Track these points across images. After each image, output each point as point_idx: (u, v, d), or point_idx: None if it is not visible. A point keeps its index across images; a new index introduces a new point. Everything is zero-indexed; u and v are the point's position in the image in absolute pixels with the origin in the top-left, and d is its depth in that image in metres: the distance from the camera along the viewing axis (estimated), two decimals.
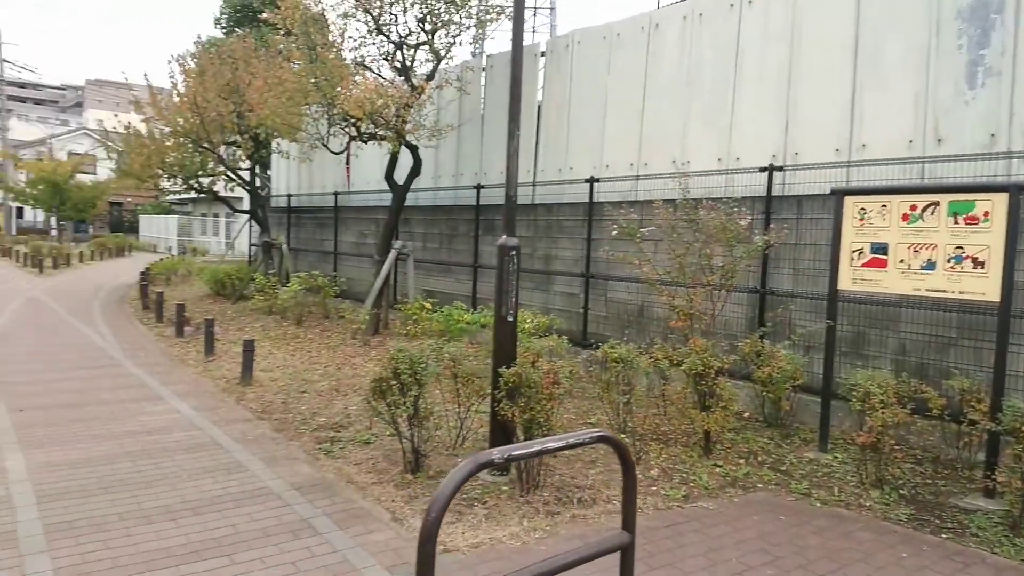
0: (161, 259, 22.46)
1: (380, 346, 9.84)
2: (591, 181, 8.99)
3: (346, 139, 10.91)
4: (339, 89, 9.11)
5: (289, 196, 16.66)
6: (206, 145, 13.39)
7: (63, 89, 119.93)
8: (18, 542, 3.58)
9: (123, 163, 13.95)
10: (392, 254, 10.83)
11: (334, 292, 12.29)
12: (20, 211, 53.25)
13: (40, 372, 7.60)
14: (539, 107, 10.39)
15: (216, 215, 41.79)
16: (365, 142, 10.71)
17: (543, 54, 10.38)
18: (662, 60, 8.55)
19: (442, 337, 8.32)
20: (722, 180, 7.69)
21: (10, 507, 4.01)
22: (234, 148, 13.84)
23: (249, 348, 7.53)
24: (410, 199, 12.54)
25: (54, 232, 41.72)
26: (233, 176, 14.62)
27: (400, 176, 11.36)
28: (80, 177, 35.41)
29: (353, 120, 9.74)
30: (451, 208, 11.86)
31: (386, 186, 13.42)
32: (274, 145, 14.63)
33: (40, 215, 51.29)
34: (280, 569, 3.45)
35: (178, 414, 6.22)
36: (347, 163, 14.87)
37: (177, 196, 14.60)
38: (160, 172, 13.28)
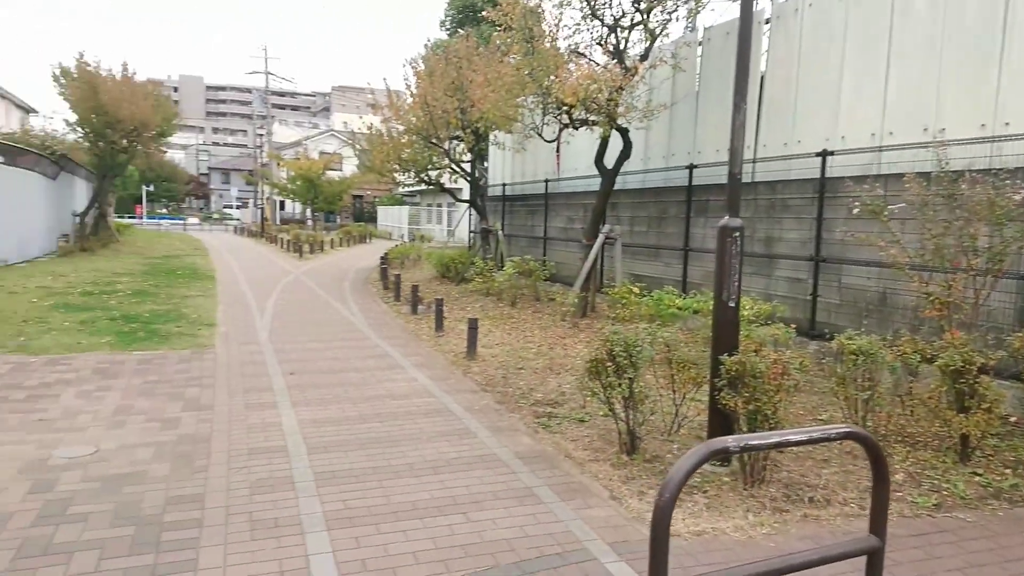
0: (396, 245, 24.93)
1: (588, 328, 10.00)
2: (823, 155, 8.23)
3: (558, 127, 11.15)
4: (553, 78, 9.33)
5: (504, 185, 17.52)
6: (434, 141, 14.58)
7: (313, 96, 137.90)
8: (294, 486, 4.24)
9: (366, 160, 15.67)
10: (600, 238, 10.91)
11: (544, 276, 12.72)
12: (282, 204, 62.58)
13: (306, 342, 8.89)
14: (761, 78, 9.74)
15: (439, 205, 45.36)
16: (576, 128, 10.87)
17: (767, 21, 9.69)
18: (911, 13, 7.52)
19: (652, 322, 8.23)
20: (986, 149, 6.59)
21: (286, 456, 4.77)
22: (457, 142, 14.88)
23: (473, 327, 8.10)
24: (617, 183, 12.48)
25: (309, 222, 48.42)
26: (456, 168, 15.74)
27: (609, 160, 11.37)
28: (329, 174, 40.58)
29: (566, 108, 9.93)
30: (660, 190, 11.61)
31: (594, 171, 13.49)
32: (491, 137, 15.44)
33: (297, 207, 59.89)
34: (509, 531, 3.69)
35: (416, 382, 6.90)
36: (557, 151, 15.22)
37: (409, 188, 16.10)
38: (396, 167, 14.76)
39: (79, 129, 21.59)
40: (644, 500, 4.16)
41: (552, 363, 7.81)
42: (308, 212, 47.87)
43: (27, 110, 38.55)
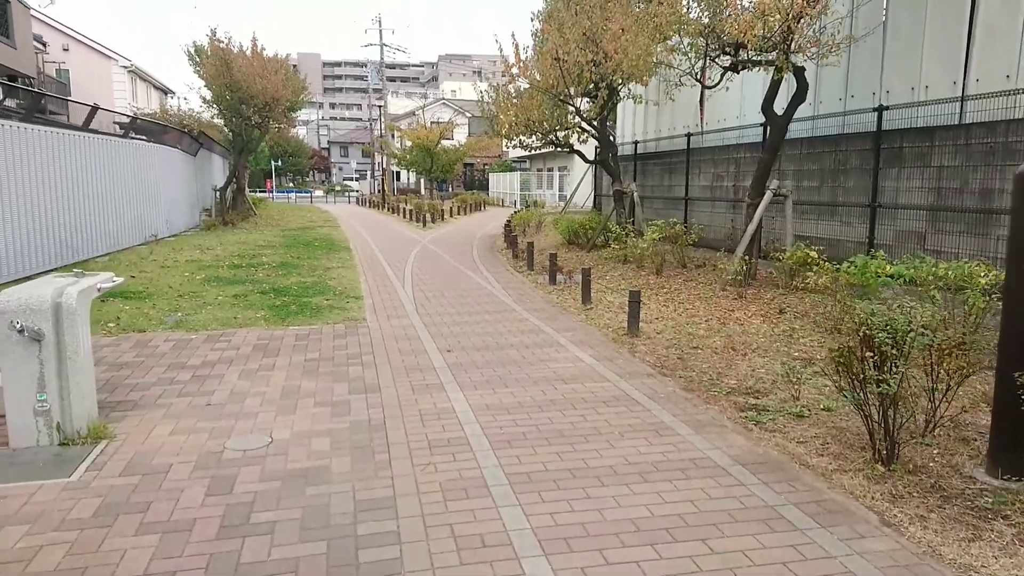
0: (515, 212, 24.41)
1: (757, 299, 8.92)
2: None
3: (719, 71, 9.94)
4: (727, 11, 8.17)
5: (636, 143, 16.37)
6: (563, 98, 13.69)
7: (421, 66, 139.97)
8: (490, 491, 3.68)
9: (491, 124, 15.06)
10: (767, 196, 9.69)
11: (691, 240, 11.64)
12: (397, 175, 64.04)
13: (453, 315, 8.46)
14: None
15: (550, 170, 44.42)
16: (738, 72, 9.63)
17: None
18: None
19: (849, 293, 7.06)
20: None
21: (470, 450, 4.23)
22: (588, 100, 13.91)
23: (635, 300, 7.29)
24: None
25: (423, 192, 49.09)
26: (586, 127, 14.80)
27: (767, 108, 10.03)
28: (443, 142, 40.65)
29: (731, 47, 8.74)
30: (836, 138, 10.15)
31: (746, 121, 12.19)
32: (624, 91, 14.33)
33: (411, 178, 61.02)
34: (771, 569, 2.93)
35: (581, 363, 6.23)
36: (701, 102, 13.89)
37: (535, 152, 15.32)
38: (524, 129, 14.05)
39: (215, 106, 22.47)
40: (928, 528, 3.25)
41: (732, 342, 6.87)
42: (422, 182, 48.53)
43: (164, 91, 41.24)
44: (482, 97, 15.08)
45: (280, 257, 13.91)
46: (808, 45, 8.31)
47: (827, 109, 10.64)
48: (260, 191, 56.42)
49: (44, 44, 31.33)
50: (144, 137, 16.77)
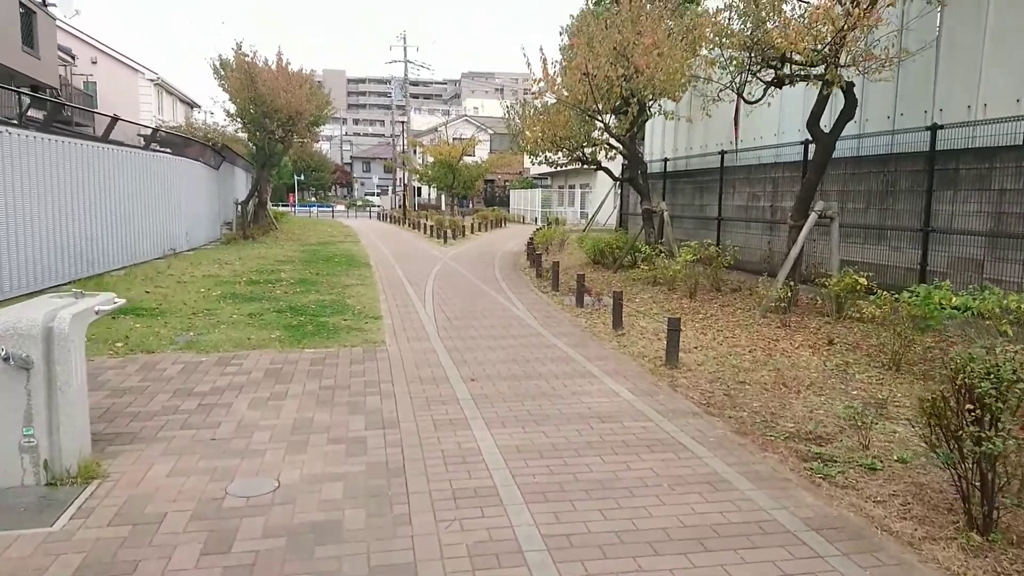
0: (537, 229, 24.01)
1: (802, 328, 8.35)
2: None
3: (757, 87, 9.45)
4: (770, 24, 7.70)
5: (665, 160, 15.89)
6: (591, 114, 13.29)
7: (444, 84, 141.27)
8: (525, 560, 3.17)
9: (516, 140, 14.70)
10: (812, 218, 9.14)
11: (727, 262, 11.09)
12: (419, 190, 64.09)
13: (476, 339, 7.99)
14: None
15: (572, 187, 44.08)
16: (782, 86, 9.14)
17: None
18: None
19: (909, 325, 6.50)
20: None
21: (500, 505, 3.73)
22: (618, 115, 13.49)
23: (674, 328, 6.77)
24: (813, 151, 10.64)
25: (444, 208, 48.94)
26: (614, 144, 14.38)
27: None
28: (465, 159, 40.49)
29: (776, 60, 8.26)
30: (884, 158, 9.59)
31: (784, 139, 11.68)
32: (655, 107, 13.90)
33: (432, 193, 61.02)
34: None
35: (618, 397, 5.72)
36: (735, 119, 13.41)
37: (561, 168, 14.93)
38: (550, 145, 13.66)
39: (238, 119, 22.42)
40: None
41: (782, 376, 6.32)
42: (443, 198, 48.35)
43: (191, 104, 41.61)
44: (507, 112, 14.74)
45: (299, 273, 13.59)
46: (860, 59, 7.79)
47: (874, 127, 10.08)
48: (283, 205, 56.71)
49: (73, 56, 31.71)
50: (166, 150, 16.65)
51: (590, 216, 26.51)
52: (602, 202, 26.95)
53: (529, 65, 13.53)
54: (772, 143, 12.20)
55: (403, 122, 48.39)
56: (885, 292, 6.92)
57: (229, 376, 6.21)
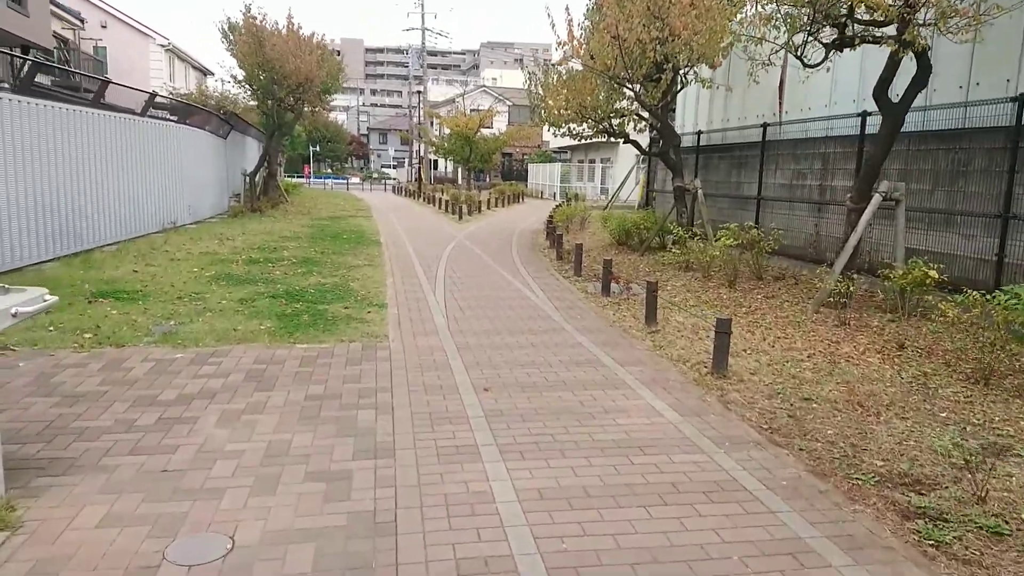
0: (557, 206, 22.93)
1: (864, 327, 7.32)
2: None
3: (814, 49, 8.28)
4: None
5: (698, 133, 14.70)
6: (620, 81, 12.13)
7: (462, 54, 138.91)
8: None
9: (538, 110, 13.59)
10: (875, 200, 8.04)
11: (770, 247, 10.02)
12: (435, 163, 62.87)
13: (491, 334, 7.06)
14: None
15: (592, 161, 42.74)
16: (842, 49, 7.98)
17: None
18: None
19: (1002, 333, 5.46)
20: None
21: None
22: (649, 84, 12.32)
23: (724, 330, 5.77)
24: (871, 124, 9.50)
25: (460, 181, 47.79)
26: (643, 115, 13.23)
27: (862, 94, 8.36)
28: (483, 131, 39.21)
29: (843, 17, 7.11)
30: (955, 134, 8.44)
31: (836, 111, 10.53)
32: (691, 74, 12.70)
33: (449, 166, 59.79)
34: None
35: (660, 417, 4.77)
36: (780, 88, 12.20)
37: (584, 141, 13.83)
38: (575, 115, 12.56)
39: (247, 86, 21.46)
40: None
41: (855, 391, 5.33)
42: (459, 171, 47.16)
43: (204, 72, 40.62)
44: (528, 79, 13.61)
45: (303, 251, 12.69)
46: (945, 16, 6.62)
47: (943, 99, 8.89)
48: (298, 176, 55.92)
49: (82, 20, 30.75)
50: (170, 117, 15.75)
51: (612, 193, 25.34)
52: (625, 178, 25.75)
53: (554, 26, 12.37)
54: (822, 115, 11.02)
55: (419, 92, 47.11)
56: (974, 292, 5.85)
57: (203, 379, 5.34)
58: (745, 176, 13.05)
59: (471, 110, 46.07)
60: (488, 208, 27.65)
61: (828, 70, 8.78)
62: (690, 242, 11.34)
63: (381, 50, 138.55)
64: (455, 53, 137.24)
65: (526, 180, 51.02)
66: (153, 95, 13.84)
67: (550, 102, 12.85)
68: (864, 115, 9.76)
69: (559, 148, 49.35)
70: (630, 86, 12.19)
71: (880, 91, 7.83)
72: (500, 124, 50.60)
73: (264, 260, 11.29)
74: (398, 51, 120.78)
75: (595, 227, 18.84)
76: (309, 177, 57.81)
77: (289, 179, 43.84)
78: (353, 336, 6.79)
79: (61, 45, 28.59)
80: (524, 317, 7.93)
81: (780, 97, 12.20)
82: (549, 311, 8.32)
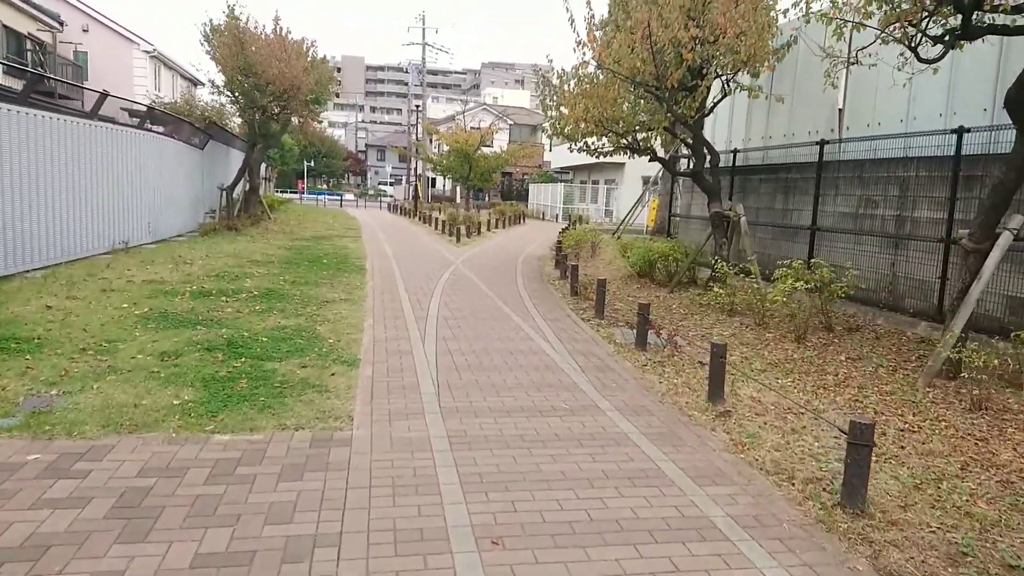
0: (563, 230, 21.03)
1: (1008, 415, 5.33)
2: None
3: (931, 43, 6.38)
4: None
5: (734, 152, 12.80)
6: (651, 89, 10.26)
7: (463, 73, 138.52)
8: None
9: (551, 122, 11.69)
10: (1004, 238, 6.09)
11: (845, 291, 8.04)
12: (433, 181, 61.11)
13: (497, 414, 5.05)
14: None
15: (595, 182, 41.01)
16: (958, 41, 6.09)
17: None
18: None
19: None
20: None
21: None
22: (681, 94, 10.47)
23: (862, 439, 3.74)
24: (973, 144, 7.67)
25: (459, 200, 45.97)
26: (673, 128, 11.34)
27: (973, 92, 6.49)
28: (483, 149, 37.46)
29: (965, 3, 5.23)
30: None
31: (915, 126, 8.70)
32: (733, 82, 10.84)
33: (447, 185, 58.04)
34: None
35: None
36: (841, 98, 10.33)
37: (603, 155, 11.93)
38: (595, 127, 10.69)
39: (227, 93, 19.60)
40: None
41: None
42: (458, 190, 45.35)
43: (194, 82, 38.84)
44: (540, 86, 11.73)
45: (270, 280, 10.67)
46: None
47: None
48: (291, 192, 54.02)
49: (61, 23, 28.99)
50: (126, 122, 13.82)
51: (622, 216, 23.44)
52: (637, 201, 23.89)
53: (572, 22, 10.51)
54: (898, 131, 9.13)
55: (418, 107, 45.49)
56: None
57: (43, 513, 3.30)
58: (794, 202, 11.13)
59: (471, 128, 44.46)
60: (488, 229, 25.71)
61: (935, 71, 6.84)
62: (735, 280, 9.39)
63: (382, 67, 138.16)
64: (456, 72, 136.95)
65: (526, 200, 49.30)
66: (104, 95, 11.89)
67: (566, 111, 10.92)
68: (961, 131, 7.87)
69: (561, 168, 47.75)
70: (662, 94, 10.30)
71: (1018, 97, 5.91)
72: (500, 142, 48.98)
73: (217, 293, 9.27)
74: (399, 69, 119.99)
75: (608, 254, 16.91)
76: (302, 193, 55.94)
77: (279, 195, 41.97)
78: (303, 419, 4.77)
79: (36, 48, 26.82)
80: (542, 385, 5.91)
81: (841, 111, 10.33)
82: (574, 374, 6.30)
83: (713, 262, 10.02)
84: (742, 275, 9.79)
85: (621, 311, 9.62)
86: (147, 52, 32.27)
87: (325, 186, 66.00)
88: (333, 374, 5.86)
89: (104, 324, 7.11)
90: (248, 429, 4.53)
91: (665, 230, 23.22)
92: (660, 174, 23.74)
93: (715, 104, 10.78)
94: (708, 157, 11.10)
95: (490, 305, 9.78)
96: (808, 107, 11.19)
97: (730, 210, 10.59)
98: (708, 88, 10.23)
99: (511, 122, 59.23)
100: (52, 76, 25.08)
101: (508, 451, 4.38)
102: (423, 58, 46.27)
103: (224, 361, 6.01)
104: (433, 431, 4.66)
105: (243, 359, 6.11)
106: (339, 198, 52.87)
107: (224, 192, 19.90)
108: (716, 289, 9.38)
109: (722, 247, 10.65)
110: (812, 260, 10.14)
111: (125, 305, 8.07)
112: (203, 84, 39.86)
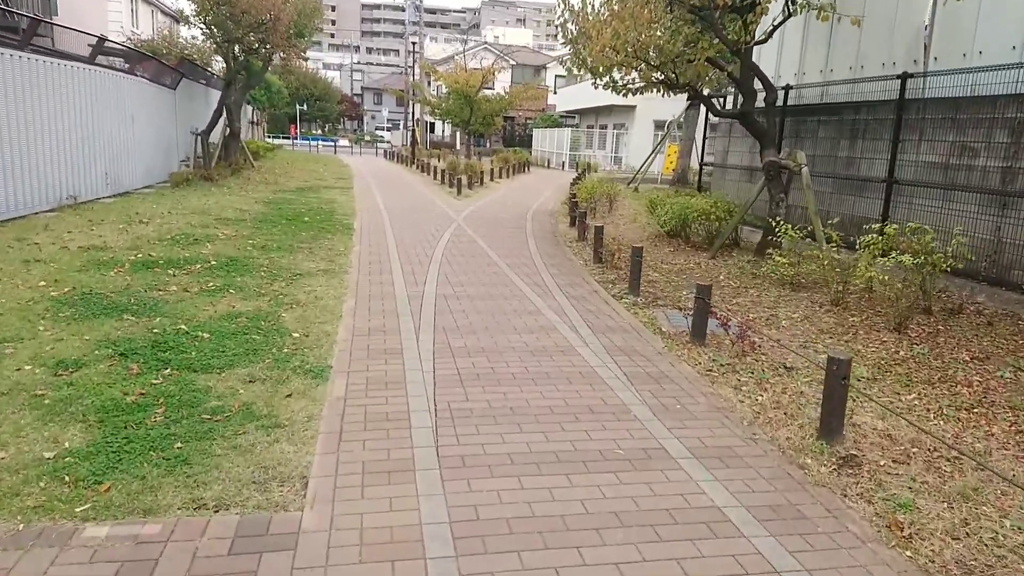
0: (575, 179, 19.14)
1: None
2: None
3: None
4: None
5: (786, 88, 10.85)
6: (695, 7, 8.31)
7: (462, 12, 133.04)
8: None
9: (573, 54, 9.75)
10: None
11: (950, 265, 6.32)
12: (431, 127, 58.37)
13: (520, 466, 3.45)
14: None
15: (603, 127, 38.66)
16: None
17: None
18: None
19: None
20: None
21: None
22: (729, 17, 8.55)
23: None
24: None
25: (459, 147, 43.64)
26: (721, 60, 9.40)
27: None
28: (484, 92, 35.01)
29: None
30: None
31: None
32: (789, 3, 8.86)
33: (447, 130, 55.38)
34: None
35: None
36: (927, 21, 8.40)
37: (635, 92, 10.03)
38: (626, 58, 8.78)
39: (199, 25, 17.45)
40: None
41: None
42: (458, 135, 42.97)
43: (175, 18, 36.09)
44: (560, 8, 9.71)
45: (236, 245, 8.96)
46: None
47: None
48: (283, 137, 51.56)
49: None
50: (73, 55, 11.85)
51: (640, 166, 21.45)
52: (656, 147, 21.88)
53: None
54: (1008, 61, 7.25)
55: (415, 44, 42.70)
56: None
57: None
58: (863, 149, 9.29)
59: (472, 68, 41.77)
60: (491, 179, 23.77)
61: None
62: (800, 245, 7.68)
63: (378, 6, 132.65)
64: (455, 11, 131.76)
65: (530, 147, 46.95)
66: (37, 20, 9.91)
67: (593, 35, 8.95)
68: None
69: (567, 112, 45.31)
70: (710, 15, 8.35)
71: None
72: (503, 84, 46.31)
73: (166, 262, 7.56)
74: (397, 8, 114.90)
75: (627, 209, 15.11)
76: (295, 138, 53.49)
77: (269, 141, 39.71)
78: (230, 486, 3.15)
79: None
80: (580, 408, 4.28)
81: (926, 36, 8.40)
82: (619, 388, 4.67)
83: (772, 222, 8.26)
84: (807, 239, 8.06)
85: (658, 284, 7.94)
86: None
87: (319, 132, 63.34)
88: (290, 395, 4.22)
89: (2, 313, 5.45)
90: (142, 511, 2.92)
91: (685, 180, 21.34)
92: (682, 117, 21.67)
93: (774, 28, 8.81)
94: (761, 94, 9.20)
95: (499, 278, 8.09)
96: (882, 33, 9.24)
97: (793, 159, 8.76)
98: (766, 7, 8.28)
99: (514, 62, 56.32)
100: (14, 10, 22.74)
101: (546, 553, 2.78)
102: None
103: (140, 375, 4.37)
104: (427, 514, 3.04)
105: (168, 370, 4.47)
106: (333, 144, 50.54)
107: (199, 138, 17.93)
108: (777, 257, 7.67)
109: (779, 204, 8.87)
110: (884, 219, 8.44)
111: (43, 283, 6.39)
112: (188, 22, 37.19)
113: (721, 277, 8.37)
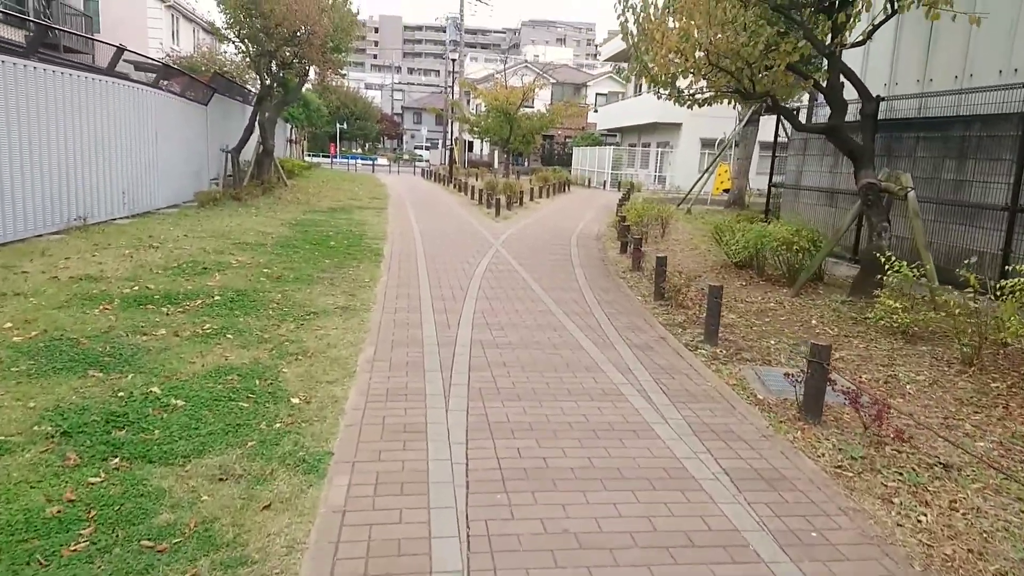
0: (622, 201, 17.90)
1: None
2: None
3: None
4: None
5: (877, 100, 9.46)
6: (778, 5, 7.06)
7: (502, 32, 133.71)
8: None
9: (635, 58, 8.59)
10: None
11: None
12: (470, 145, 57.81)
13: None
14: None
15: (646, 145, 37.34)
16: None
17: None
18: None
19: None
20: None
21: None
22: (819, 17, 7.27)
23: None
24: None
25: (497, 165, 42.79)
26: (811, 67, 8.11)
27: None
28: (524, 110, 34.10)
29: None
30: None
31: None
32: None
33: (486, 148, 54.72)
34: None
35: None
36: None
37: (703, 102, 8.79)
38: (694, 63, 7.57)
39: (230, 37, 16.84)
40: None
41: None
42: (496, 154, 42.11)
43: (220, 38, 36.23)
44: (620, 6, 8.54)
45: (249, 274, 7.94)
46: None
47: None
48: (323, 156, 51.52)
49: None
50: (90, 67, 11.16)
51: (692, 186, 20.07)
52: (709, 166, 20.51)
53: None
54: None
55: (454, 61, 42.20)
56: None
57: None
58: (977, 171, 7.86)
59: (512, 85, 40.97)
60: (531, 199, 22.66)
61: None
62: (913, 285, 6.31)
63: (420, 27, 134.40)
64: (495, 32, 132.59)
65: (569, 166, 45.84)
66: (45, 28, 9.18)
67: (657, 36, 7.75)
68: None
69: (608, 130, 44.23)
70: (793, 15, 7.09)
71: None
72: (542, 102, 45.45)
73: (162, 297, 6.55)
74: (438, 29, 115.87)
75: (682, 233, 13.80)
76: (335, 156, 53.44)
77: (307, 159, 39.40)
78: None
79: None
80: (674, 540, 3.02)
81: None
82: (726, 503, 3.39)
83: (875, 256, 6.86)
84: (920, 278, 6.67)
85: (737, 329, 6.63)
86: (163, 1, 29.65)
87: (360, 150, 63.41)
88: (268, 506, 3.06)
89: None
90: None
91: (742, 202, 19.91)
92: (737, 132, 20.29)
93: (875, 27, 7.47)
94: (854, 106, 7.86)
95: (545, 318, 6.87)
96: (998, 35, 7.84)
97: (896, 181, 7.38)
98: (869, 1, 6.98)
99: (554, 80, 55.51)
100: (57, 27, 22.66)
101: None
102: (461, 8, 42.69)
103: (78, 468, 3.26)
104: None
105: (117, 459, 3.36)
106: (371, 163, 50.29)
107: (228, 155, 17.24)
108: (886, 300, 6.28)
109: (881, 234, 7.46)
110: (1005, 253, 7.00)
111: (9, 324, 5.41)
112: (229, 40, 37.28)
113: (812, 321, 7.01)
